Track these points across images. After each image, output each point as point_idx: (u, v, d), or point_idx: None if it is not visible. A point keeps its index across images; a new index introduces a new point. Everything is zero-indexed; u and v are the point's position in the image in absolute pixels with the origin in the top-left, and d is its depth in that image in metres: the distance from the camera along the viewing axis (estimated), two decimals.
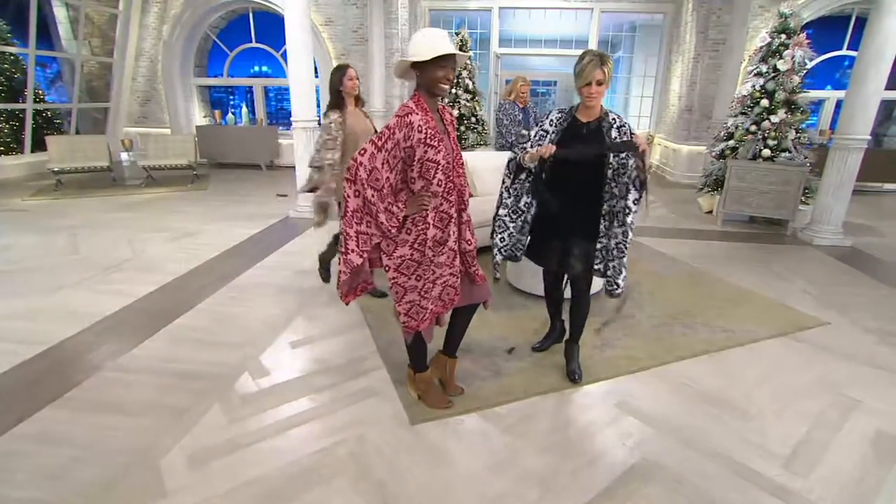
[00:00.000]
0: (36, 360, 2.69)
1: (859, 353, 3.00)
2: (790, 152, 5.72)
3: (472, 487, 1.91)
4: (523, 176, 2.42)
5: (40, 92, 9.01)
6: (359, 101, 3.38)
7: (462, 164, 2.03)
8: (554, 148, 2.19)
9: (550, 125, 2.33)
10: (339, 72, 3.24)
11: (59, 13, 9.50)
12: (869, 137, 4.88)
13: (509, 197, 2.47)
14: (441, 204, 1.95)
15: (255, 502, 1.82)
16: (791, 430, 2.27)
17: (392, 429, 2.23)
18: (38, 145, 8.35)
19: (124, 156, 7.73)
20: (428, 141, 1.86)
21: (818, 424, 2.32)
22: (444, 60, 1.85)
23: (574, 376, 2.60)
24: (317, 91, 9.67)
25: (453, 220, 1.98)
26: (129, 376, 2.58)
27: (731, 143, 6.12)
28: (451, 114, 2.08)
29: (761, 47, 5.90)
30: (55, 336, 2.92)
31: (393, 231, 1.91)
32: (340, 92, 3.23)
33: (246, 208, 6.29)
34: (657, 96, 9.89)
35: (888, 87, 8.93)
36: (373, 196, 1.84)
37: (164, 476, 1.92)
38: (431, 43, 1.84)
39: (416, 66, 1.88)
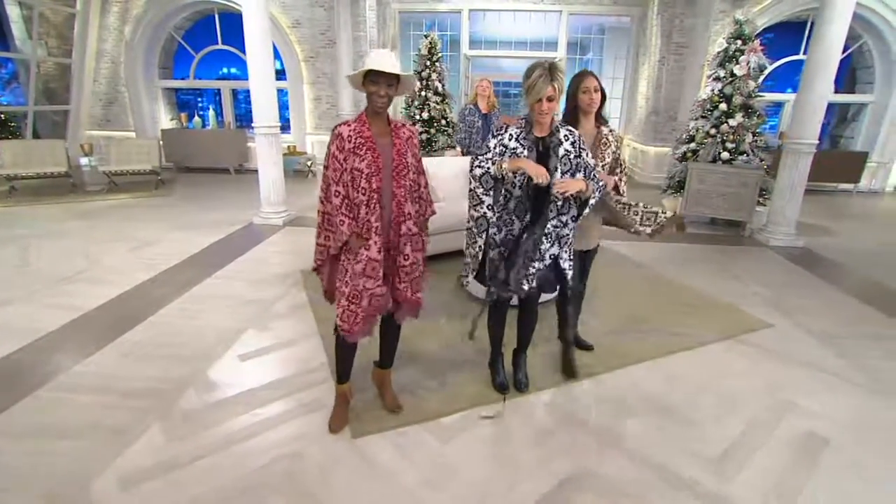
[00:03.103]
0: None
1: (800, 355, 3.10)
2: (747, 155, 5.88)
3: (408, 502, 1.92)
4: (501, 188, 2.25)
5: None
6: (598, 118, 2.59)
7: (404, 174, 2.03)
8: (548, 177, 2.08)
9: (511, 140, 2.19)
10: (577, 79, 2.51)
11: (12, 12, 9.16)
12: (817, 141, 5.04)
13: (495, 215, 2.26)
14: (365, 213, 1.99)
15: None
16: (725, 435, 2.34)
17: (333, 443, 2.22)
18: None
19: (84, 161, 7.50)
20: (355, 150, 1.96)
21: (752, 428, 2.39)
22: (374, 76, 1.93)
23: (520, 385, 2.63)
24: (284, 94, 9.57)
25: (375, 230, 1.98)
26: (69, 395, 2.51)
27: (692, 145, 6.27)
28: (410, 130, 2.11)
29: (719, 53, 6.05)
30: None
31: (345, 237, 2.01)
32: (576, 108, 2.53)
33: (210, 215, 6.18)
34: (626, 98, 10.05)
35: (844, 91, 9.26)
36: (330, 210, 2.04)
37: (94, 501, 1.88)
38: (367, 61, 1.95)
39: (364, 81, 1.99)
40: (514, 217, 2.25)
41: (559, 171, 2.17)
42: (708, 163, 5.96)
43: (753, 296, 4.02)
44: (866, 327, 3.50)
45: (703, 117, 6.17)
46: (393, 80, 1.96)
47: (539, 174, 2.05)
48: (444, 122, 8.88)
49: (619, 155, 2.61)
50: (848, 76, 9.45)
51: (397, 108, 10.09)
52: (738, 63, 5.83)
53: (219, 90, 10.11)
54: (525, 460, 2.15)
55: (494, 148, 2.21)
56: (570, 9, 9.39)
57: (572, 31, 10.25)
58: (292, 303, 3.66)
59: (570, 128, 2.25)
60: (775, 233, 5.35)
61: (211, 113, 9.57)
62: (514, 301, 2.52)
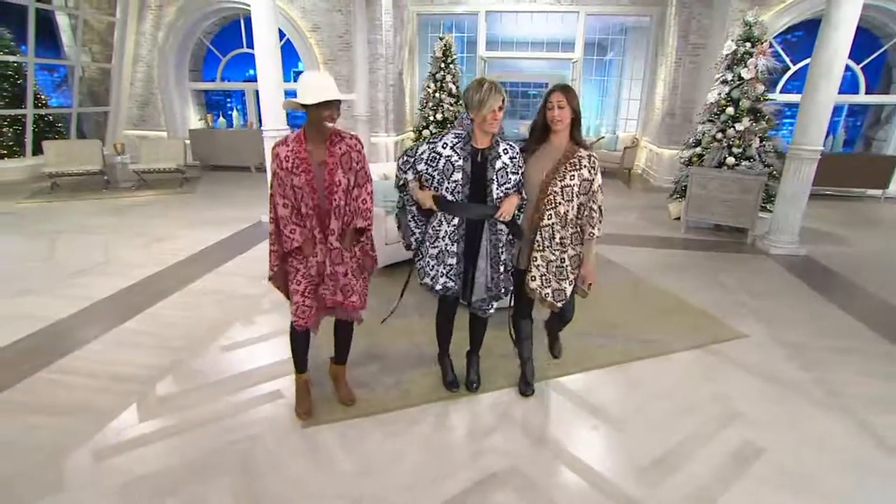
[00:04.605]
0: None
1: (764, 366, 3.09)
2: (753, 160, 5.75)
3: (339, 489, 2.08)
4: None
5: (43, 97, 9.41)
6: (574, 137, 2.39)
7: (334, 192, 2.17)
8: (430, 202, 2.27)
9: (446, 148, 2.26)
10: (547, 93, 2.37)
11: (62, 21, 9.90)
12: (822, 148, 4.89)
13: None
14: (310, 225, 2.20)
15: (142, 496, 2.03)
16: (662, 442, 2.39)
17: (287, 430, 2.42)
18: (41, 149, 8.73)
19: (117, 159, 8.06)
20: (292, 169, 2.12)
21: (692, 436, 2.44)
22: (332, 101, 2.08)
23: (472, 385, 2.75)
24: (293, 96, 9.89)
25: (319, 240, 2.22)
26: (65, 377, 2.82)
27: (698, 149, 6.18)
28: (348, 144, 2.21)
29: (727, 55, 5.92)
30: (2, 339, 3.17)
31: (297, 244, 2.22)
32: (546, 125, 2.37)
33: (224, 212, 6.54)
34: (644, 99, 9.89)
35: (880, 91, 8.80)
36: (276, 221, 2.23)
37: (66, 471, 2.14)
38: (318, 88, 2.05)
39: (305, 105, 2.08)
40: (443, 218, 2.32)
41: (495, 183, 2.27)
42: (712, 167, 5.86)
43: (737, 305, 3.98)
44: (844, 341, 3.42)
45: (709, 121, 6.07)
46: (339, 101, 2.12)
47: (424, 201, 2.28)
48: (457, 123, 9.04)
49: (591, 187, 2.35)
50: (884, 75, 8.98)
51: (413, 109, 10.30)
52: (746, 66, 5.70)
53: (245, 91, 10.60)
54: (459, 456, 2.28)
55: (422, 154, 2.30)
56: (587, 9, 9.31)
57: (593, 32, 10.17)
58: (280, 299, 3.87)
59: (510, 143, 2.35)
60: (777, 241, 5.22)
61: (235, 113, 10.04)
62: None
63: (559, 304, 2.47)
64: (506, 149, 2.30)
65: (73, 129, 9.70)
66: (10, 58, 8.67)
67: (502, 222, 2.34)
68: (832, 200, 7.93)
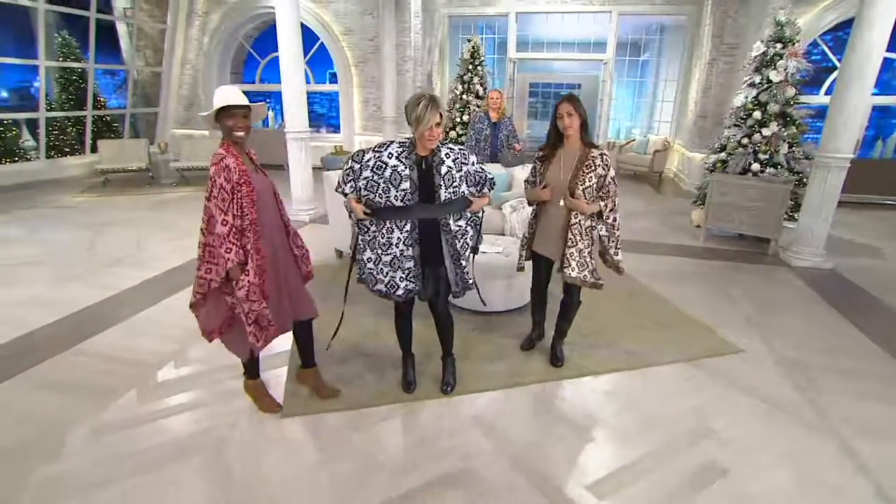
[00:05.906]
0: (13, 342, 3.29)
1: (754, 384, 2.98)
2: (780, 167, 5.48)
3: (300, 478, 2.22)
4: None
5: (102, 99, 10.21)
6: (584, 140, 2.72)
7: (280, 200, 2.38)
8: (362, 213, 2.34)
9: (392, 158, 2.30)
10: (557, 104, 2.74)
11: (121, 28, 10.70)
12: (852, 155, 4.60)
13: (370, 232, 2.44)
14: (245, 242, 2.19)
15: (125, 469, 2.25)
16: (624, 455, 2.39)
17: (263, 419, 2.59)
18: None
19: (161, 157, 8.66)
20: (239, 182, 2.14)
21: (656, 451, 2.41)
22: (232, 110, 2.16)
23: (447, 388, 2.82)
24: (336, 96, 10.20)
25: (251, 257, 2.19)
26: (80, 359, 3.12)
27: (723, 155, 5.95)
28: (256, 156, 2.35)
29: (755, 57, 5.66)
30: (39, 322, 3.54)
31: (231, 265, 2.15)
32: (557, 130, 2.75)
33: None
34: (678, 101, 9.55)
35: None
36: (213, 241, 2.15)
37: (65, 444, 2.39)
38: (219, 98, 2.17)
39: (216, 118, 2.19)
40: (394, 226, 2.37)
41: (443, 188, 2.34)
42: (736, 174, 5.63)
43: (739, 318, 3.83)
44: (851, 361, 3.24)
45: (735, 125, 5.83)
46: (246, 110, 2.20)
47: (357, 212, 2.36)
48: None
49: (605, 181, 2.68)
50: None
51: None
52: (775, 68, 5.43)
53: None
54: (418, 455, 2.36)
55: (368, 160, 2.33)
56: (620, 9, 9.09)
57: (627, 32, 9.90)
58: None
59: (450, 146, 2.43)
60: (801, 252, 4.96)
61: (271, 113, 10.50)
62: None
63: (600, 282, 2.82)
64: (447, 153, 2.38)
65: (126, 129, 10.47)
66: (75, 64, 9.46)
67: (455, 219, 2.45)
68: (880, 210, 7.39)
